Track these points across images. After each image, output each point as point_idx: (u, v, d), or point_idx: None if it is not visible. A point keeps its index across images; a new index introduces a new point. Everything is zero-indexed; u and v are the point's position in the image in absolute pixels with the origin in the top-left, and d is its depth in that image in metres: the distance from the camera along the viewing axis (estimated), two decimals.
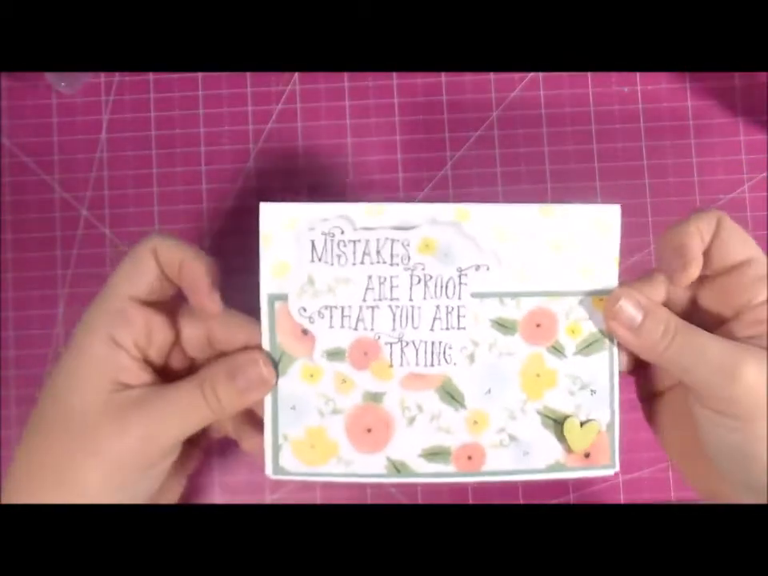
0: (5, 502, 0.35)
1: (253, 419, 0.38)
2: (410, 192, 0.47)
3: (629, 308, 0.34)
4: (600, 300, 0.36)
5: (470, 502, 0.46)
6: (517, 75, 0.48)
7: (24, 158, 0.48)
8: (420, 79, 0.48)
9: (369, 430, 0.37)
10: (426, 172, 0.48)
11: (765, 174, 0.47)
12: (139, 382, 0.34)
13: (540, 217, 0.37)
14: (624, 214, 0.47)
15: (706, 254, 0.33)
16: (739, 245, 0.33)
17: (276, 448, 0.37)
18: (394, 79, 0.48)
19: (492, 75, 0.48)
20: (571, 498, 0.46)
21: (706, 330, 0.33)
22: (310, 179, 0.48)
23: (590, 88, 0.48)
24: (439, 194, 0.47)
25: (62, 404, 0.33)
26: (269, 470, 0.37)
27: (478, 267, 0.36)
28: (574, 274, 0.37)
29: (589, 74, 0.48)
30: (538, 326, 0.37)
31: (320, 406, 0.37)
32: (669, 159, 0.48)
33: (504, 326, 0.37)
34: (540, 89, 0.48)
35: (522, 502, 0.46)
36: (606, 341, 0.36)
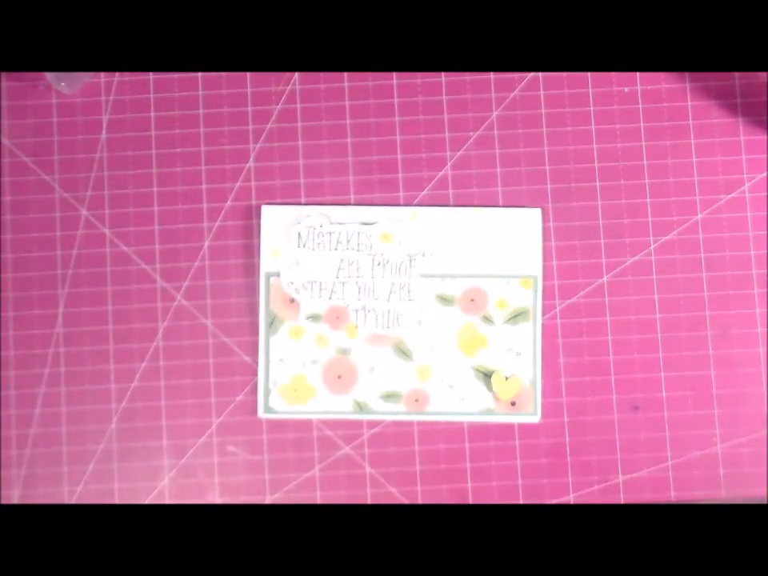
0: None
1: None
2: (410, 192, 0.47)
3: None
4: (525, 281, 0.46)
5: (470, 502, 0.46)
6: (517, 75, 0.48)
7: (24, 158, 0.48)
8: (420, 79, 0.48)
9: (339, 377, 0.46)
10: (426, 172, 0.48)
11: (765, 174, 0.47)
12: None
13: (476, 216, 0.46)
14: (624, 213, 0.47)
15: None
16: None
17: (266, 392, 0.46)
18: (394, 79, 0.48)
19: (492, 75, 0.48)
20: (571, 498, 0.46)
21: None
22: (310, 179, 0.48)
23: (590, 88, 0.48)
24: (439, 194, 0.47)
25: None
26: (260, 411, 0.46)
27: (423, 254, 0.46)
28: (503, 261, 0.46)
29: (589, 74, 0.48)
30: (472, 300, 0.46)
31: (302, 357, 0.46)
32: (669, 159, 0.48)
33: (445, 299, 0.46)
34: (540, 89, 0.48)
35: (522, 502, 0.46)
36: (530, 314, 0.46)
